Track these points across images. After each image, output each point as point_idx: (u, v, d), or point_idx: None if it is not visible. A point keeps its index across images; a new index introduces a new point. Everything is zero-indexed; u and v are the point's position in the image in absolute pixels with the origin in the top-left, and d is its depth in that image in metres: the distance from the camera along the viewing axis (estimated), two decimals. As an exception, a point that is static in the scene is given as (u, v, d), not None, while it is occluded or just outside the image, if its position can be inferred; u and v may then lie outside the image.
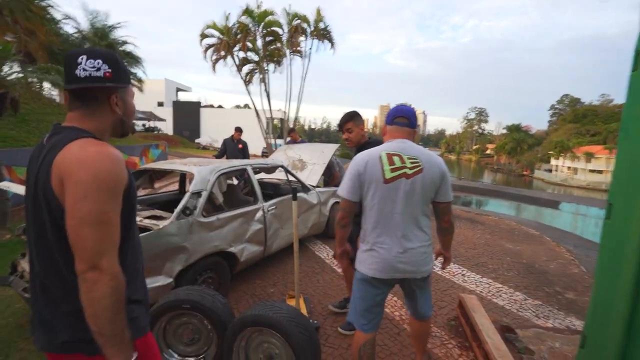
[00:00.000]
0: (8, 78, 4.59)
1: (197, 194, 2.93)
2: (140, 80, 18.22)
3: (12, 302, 2.94)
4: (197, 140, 32.29)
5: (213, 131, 32.84)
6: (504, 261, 4.46)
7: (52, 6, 12.74)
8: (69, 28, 15.49)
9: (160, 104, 38.64)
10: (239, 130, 6.80)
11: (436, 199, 1.70)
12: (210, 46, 16.68)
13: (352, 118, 2.39)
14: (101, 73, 0.98)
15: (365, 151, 1.75)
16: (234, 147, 6.69)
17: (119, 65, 1.03)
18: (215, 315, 1.89)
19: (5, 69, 4.63)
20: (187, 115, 37.22)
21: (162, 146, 12.32)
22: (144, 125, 29.42)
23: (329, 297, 3.27)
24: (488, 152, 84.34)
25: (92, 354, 0.93)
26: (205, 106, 42.21)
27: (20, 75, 5.29)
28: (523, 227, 6.50)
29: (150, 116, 29.98)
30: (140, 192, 4.05)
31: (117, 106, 1.06)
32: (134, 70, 17.64)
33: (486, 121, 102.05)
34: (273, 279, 3.65)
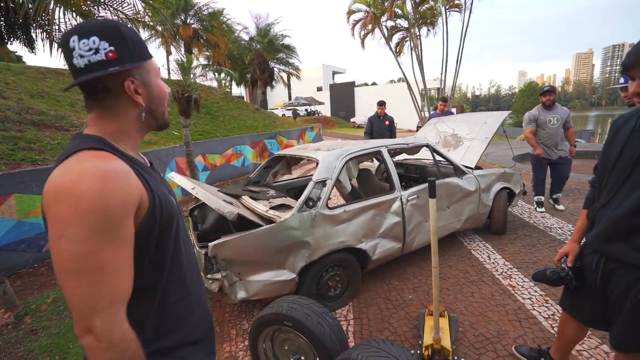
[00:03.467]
0: (187, 84, 5.60)
1: (322, 183, 2.64)
2: (297, 69, 19.92)
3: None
4: (352, 120, 33.64)
5: (367, 109, 33.39)
6: None
7: (229, 19, 15.40)
8: (242, 35, 18.42)
9: (319, 89, 42.16)
10: (381, 104, 6.06)
11: None
12: (357, 22, 16.43)
13: None
14: (102, 55, 0.70)
15: None
16: (380, 124, 6.06)
17: (123, 37, 0.74)
18: (319, 342, 1.53)
19: (190, 77, 5.73)
20: (343, 96, 39.18)
21: (316, 128, 13.23)
22: (306, 110, 32.78)
23: (487, 320, 2.43)
24: None
25: None
26: (359, 85, 43.28)
27: (197, 80, 6.48)
28: None
29: (311, 101, 33.07)
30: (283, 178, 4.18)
31: (138, 94, 0.77)
32: (291, 60, 19.31)
33: None
34: (413, 282, 3.06)
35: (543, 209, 4.70)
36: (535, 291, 2.75)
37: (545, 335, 2.23)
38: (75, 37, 0.70)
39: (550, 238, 3.78)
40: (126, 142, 0.80)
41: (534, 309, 2.52)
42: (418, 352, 2.03)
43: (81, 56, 0.70)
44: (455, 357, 1.96)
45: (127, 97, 0.77)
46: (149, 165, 0.90)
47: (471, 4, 15.52)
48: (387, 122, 6.04)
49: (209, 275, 2.32)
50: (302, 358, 1.69)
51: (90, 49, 0.70)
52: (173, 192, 0.91)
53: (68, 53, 0.71)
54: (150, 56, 0.81)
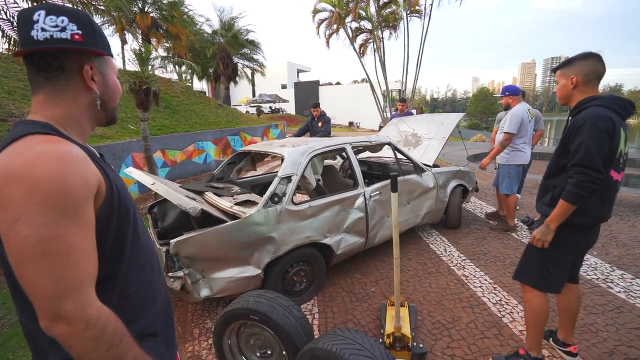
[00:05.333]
0: (145, 75, 5.30)
1: (287, 179, 2.65)
2: (262, 65, 19.52)
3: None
4: (316, 119, 33.74)
5: (331, 108, 33.65)
6: None
7: (190, 10, 14.76)
8: (205, 27, 17.66)
9: (284, 87, 41.80)
10: (314, 106, 5.79)
11: None
12: (322, 21, 16.55)
13: (561, 66, 1.68)
14: (67, 34, 0.69)
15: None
16: (314, 125, 5.77)
17: (93, 27, 0.74)
18: (286, 334, 1.55)
19: (148, 68, 5.42)
20: (307, 94, 39.09)
21: (280, 126, 13.14)
22: (270, 107, 32.40)
23: (443, 308, 2.60)
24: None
25: None
26: (324, 84, 43.52)
27: (156, 72, 6.16)
28: None
29: (275, 98, 32.74)
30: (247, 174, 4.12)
31: (94, 81, 0.76)
32: (255, 56, 18.80)
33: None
34: (375, 275, 3.18)
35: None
36: (485, 280, 2.98)
37: (493, 319, 2.42)
38: (42, 12, 0.68)
39: (499, 231, 4.10)
40: (75, 130, 0.77)
41: (484, 296, 2.73)
42: (380, 340, 2.12)
43: (43, 30, 0.67)
44: (415, 343, 2.07)
45: (81, 82, 0.75)
46: (99, 156, 0.87)
47: (430, 10, 16.30)
48: (320, 124, 5.76)
49: (170, 274, 2.23)
50: (269, 352, 1.70)
51: (56, 26, 0.68)
52: (125, 186, 0.89)
53: (26, 25, 0.68)
54: (112, 54, 0.82)
